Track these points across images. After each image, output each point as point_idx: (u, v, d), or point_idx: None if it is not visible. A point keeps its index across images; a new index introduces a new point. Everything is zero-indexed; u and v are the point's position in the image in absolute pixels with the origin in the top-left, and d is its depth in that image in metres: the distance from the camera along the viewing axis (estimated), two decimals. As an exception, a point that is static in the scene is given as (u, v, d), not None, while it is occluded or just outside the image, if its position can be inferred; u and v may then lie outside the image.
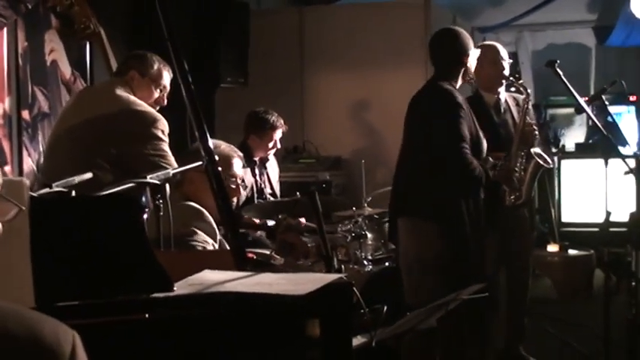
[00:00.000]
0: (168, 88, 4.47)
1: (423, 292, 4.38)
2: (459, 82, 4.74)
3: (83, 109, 4.36)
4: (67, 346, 1.43)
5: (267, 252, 4.97)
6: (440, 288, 4.14)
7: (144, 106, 4.31)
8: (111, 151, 4.18)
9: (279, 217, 5.45)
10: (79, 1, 4.57)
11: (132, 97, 4.32)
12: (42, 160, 5.31)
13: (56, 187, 2.65)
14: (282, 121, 6.13)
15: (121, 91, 4.32)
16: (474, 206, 4.62)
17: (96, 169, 3.59)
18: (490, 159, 4.68)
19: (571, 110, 6.11)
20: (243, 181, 4.24)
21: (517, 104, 5.37)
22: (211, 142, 2.78)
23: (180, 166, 3.70)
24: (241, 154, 4.27)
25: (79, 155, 4.16)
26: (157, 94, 4.45)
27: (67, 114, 4.56)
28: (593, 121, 4.96)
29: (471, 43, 4.78)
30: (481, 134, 4.69)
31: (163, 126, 4.26)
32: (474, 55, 4.77)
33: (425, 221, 4.60)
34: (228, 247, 3.40)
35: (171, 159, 4.19)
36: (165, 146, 4.24)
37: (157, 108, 4.43)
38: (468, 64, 4.72)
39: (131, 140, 4.20)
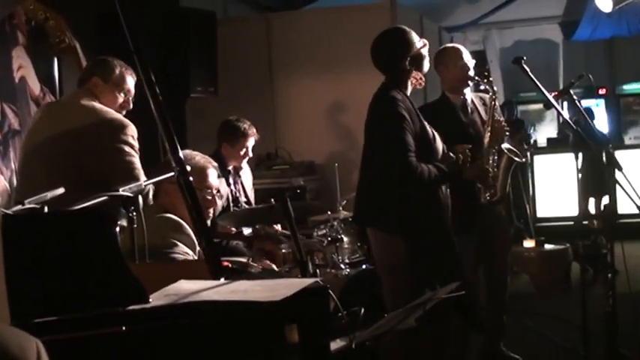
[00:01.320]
0: (132, 91, 4.42)
1: (399, 295, 4.35)
2: (409, 86, 4.58)
3: (50, 125, 4.33)
4: (32, 355, 1.44)
5: (244, 260, 4.98)
6: (415, 293, 4.02)
7: (111, 113, 4.29)
8: (82, 164, 4.16)
9: (256, 227, 5.45)
10: (53, 15, 4.55)
11: (98, 106, 4.29)
12: (15, 178, 5.28)
13: (28, 204, 2.64)
14: (254, 129, 6.13)
15: (85, 101, 4.29)
16: (435, 209, 4.53)
17: (68, 183, 3.58)
18: (452, 154, 4.61)
19: (541, 106, 6.11)
20: (218, 191, 4.23)
21: (484, 103, 5.36)
22: (186, 154, 2.77)
23: (153, 178, 3.68)
24: (216, 164, 4.25)
25: (50, 171, 4.14)
26: (121, 98, 4.41)
27: (34, 131, 4.51)
28: (562, 116, 4.98)
29: (411, 41, 4.56)
30: (437, 137, 4.59)
31: (132, 132, 4.24)
32: (424, 52, 4.57)
33: (383, 232, 4.55)
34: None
35: (139, 166, 4.19)
36: (135, 152, 4.23)
37: (124, 112, 4.40)
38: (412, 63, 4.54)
39: (101, 149, 4.18)
